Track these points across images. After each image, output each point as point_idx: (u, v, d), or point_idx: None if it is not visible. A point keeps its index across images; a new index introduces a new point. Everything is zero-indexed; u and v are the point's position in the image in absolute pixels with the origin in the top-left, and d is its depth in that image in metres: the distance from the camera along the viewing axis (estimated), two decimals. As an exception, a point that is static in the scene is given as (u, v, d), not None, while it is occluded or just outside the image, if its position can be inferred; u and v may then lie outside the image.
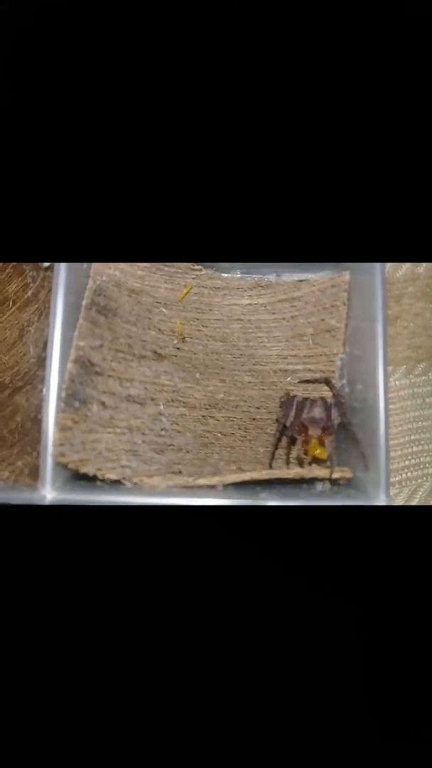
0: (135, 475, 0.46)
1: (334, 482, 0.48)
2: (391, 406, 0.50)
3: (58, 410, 0.44)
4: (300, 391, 0.53)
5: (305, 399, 0.50)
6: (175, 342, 0.54)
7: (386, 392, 0.45)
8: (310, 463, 0.49)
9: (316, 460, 0.49)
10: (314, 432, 0.48)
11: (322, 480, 0.48)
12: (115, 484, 0.45)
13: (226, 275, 0.57)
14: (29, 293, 0.54)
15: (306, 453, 0.49)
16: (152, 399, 0.51)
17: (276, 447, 0.51)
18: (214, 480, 0.46)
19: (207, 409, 0.54)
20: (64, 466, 0.44)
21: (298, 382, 0.55)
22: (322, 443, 0.48)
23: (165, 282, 0.55)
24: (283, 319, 0.56)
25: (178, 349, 0.54)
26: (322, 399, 0.50)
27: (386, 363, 0.45)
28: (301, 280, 0.56)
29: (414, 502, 0.54)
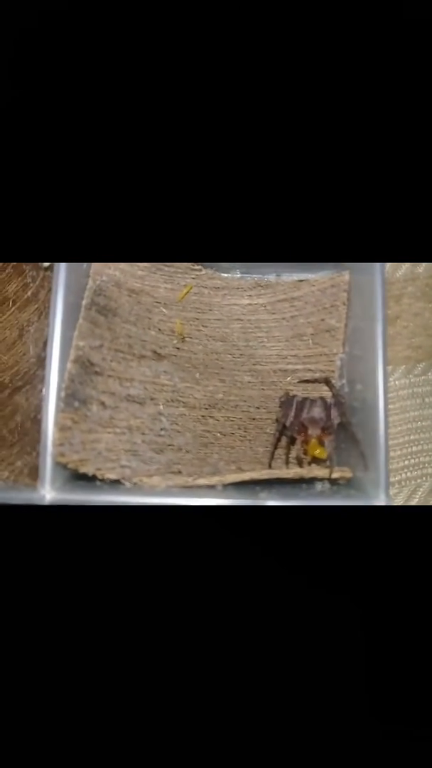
0: (134, 475, 0.46)
1: (333, 482, 0.48)
2: (390, 406, 0.50)
3: (58, 410, 0.44)
4: (300, 391, 0.53)
5: (305, 399, 0.50)
6: (175, 342, 0.54)
7: (386, 392, 0.45)
8: (309, 463, 0.49)
9: (316, 460, 0.49)
10: (314, 432, 0.48)
11: (321, 480, 0.48)
12: (115, 484, 0.45)
13: (225, 275, 0.57)
14: (29, 293, 0.54)
15: (305, 453, 0.49)
16: (152, 399, 0.51)
17: (275, 447, 0.51)
18: (214, 480, 0.46)
19: (207, 409, 0.54)
20: (64, 466, 0.44)
21: (298, 382, 0.55)
22: (321, 443, 0.48)
23: (165, 282, 0.55)
24: (283, 319, 0.56)
25: (178, 349, 0.54)
26: (322, 399, 0.50)
27: (386, 363, 0.45)
28: (300, 280, 0.56)
29: (413, 502, 0.54)
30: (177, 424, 0.52)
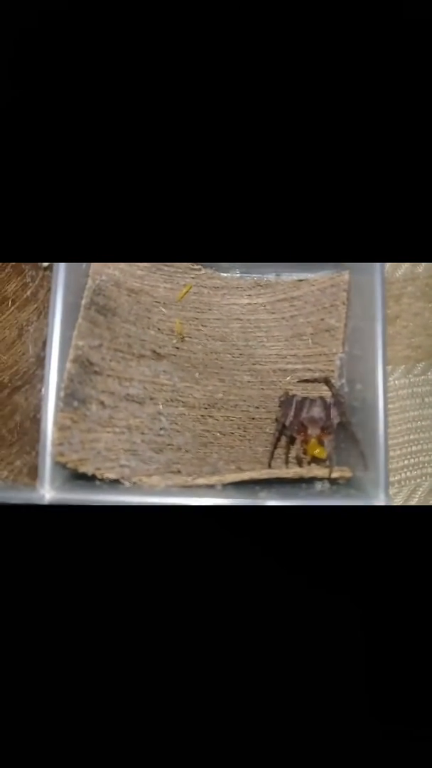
0: (134, 474, 0.46)
1: (333, 482, 0.48)
2: (390, 406, 0.50)
3: (57, 409, 0.44)
4: (299, 391, 0.53)
5: (304, 398, 0.50)
6: (175, 341, 0.54)
7: (385, 392, 0.45)
8: (309, 463, 0.49)
9: (316, 460, 0.49)
10: (313, 431, 0.48)
11: (321, 479, 0.48)
12: (114, 484, 0.45)
13: (225, 275, 0.57)
14: (28, 292, 0.54)
15: (305, 452, 0.49)
16: (151, 398, 0.51)
17: (275, 446, 0.51)
18: (213, 479, 0.46)
19: (206, 408, 0.53)
20: (63, 466, 0.44)
21: (298, 382, 0.55)
22: (321, 443, 0.48)
23: (164, 281, 0.55)
24: (283, 318, 0.56)
25: (178, 348, 0.54)
26: (322, 398, 0.50)
27: (385, 362, 0.45)
28: (300, 280, 0.56)
29: (413, 502, 0.54)
30: (176, 423, 0.52)
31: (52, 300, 0.45)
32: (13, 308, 0.54)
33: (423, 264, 0.57)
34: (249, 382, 0.55)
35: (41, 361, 0.49)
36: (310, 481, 0.48)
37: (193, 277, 0.56)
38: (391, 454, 0.54)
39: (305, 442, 0.48)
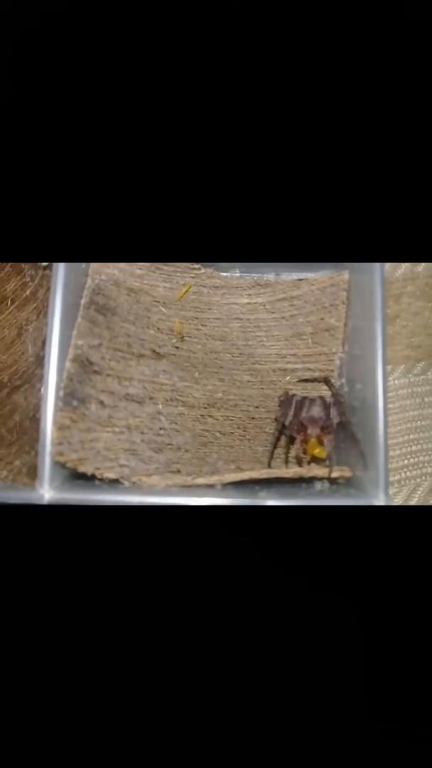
0: (133, 474, 0.46)
1: (333, 481, 0.48)
2: (390, 406, 0.50)
3: (57, 409, 0.44)
4: (299, 390, 0.53)
5: (304, 398, 0.50)
6: (174, 341, 0.54)
7: (385, 391, 0.45)
8: (309, 463, 0.49)
9: (315, 460, 0.49)
10: (313, 431, 0.48)
11: (321, 479, 0.48)
12: (114, 484, 0.45)
13: (225, 274, 0.57)
14: (28, 292, 0.54)
15: (305, 452, 0.49)
16: (151, 398, 0.51)
17: (275, 446, 0.51)
18: (213, 479, 0.46)
19: (206, 408, 0.53)
20: (63, 465, 0.44)
21: (297, 381, 0.55)
22: (321, 442, 0.48)
23: (164, 281, 0.55)
24: (282, 318, 0.56)
25: (177, 348, 0.54)
26: (321, 398, 0.50)
27: (385, 362, 0.45)
28: (300, 279, 0.56)
29: (413, 502, 0.54)
30: (176, 423, 0.52)
31: (51, 299, 0.45)
32: (12, 307, 0.54)
33: (423, 263, 0.57)
34: (249, 381, 0.55)
35: (40, 361, 0.49)
36: (310, 480, 0.48)
37: (192, 277, 0.56)
38: (391, 453, 0.54)
39: (305, 441, 0.48)
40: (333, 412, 0.49)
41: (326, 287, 0.55)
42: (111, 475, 0.45)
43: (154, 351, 0.53)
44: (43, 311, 0.53)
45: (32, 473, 0.46)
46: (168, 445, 0.51)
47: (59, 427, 0.44)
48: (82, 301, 0.49)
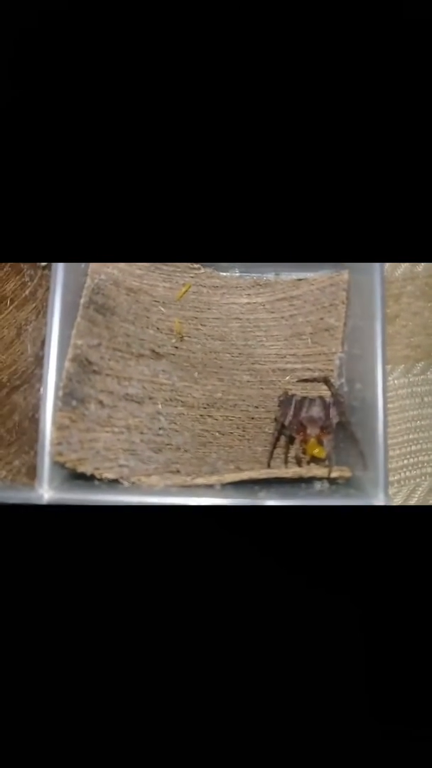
0: (133, 474, 0.46)
1: (332, 481, 0.48)
2: (389, 405, 0.50)
3: (56, 409, 0.44)
4: (299, 390, 0.53)
5: (304, 398, 0.50)
6: (174, 341, 0.54)
7: (385, 391, 0.45)
8: (308, 463, 0.49)
9: (315, 460, 0.48)
10: (313, 431, 0.48)
11: (320, 479, 0.48)
12: (113, 484, 0.45)
13: (224, 274, 0.57)
14: (27, 292, 0.53)
15: (304, 452, 0.49)
16: (150, 398, 0.51)
17: (274, 446, 0.51)
18: (213, 479, 0.45)
19: (205, 408, 0.53)
20: (62, 465, 0.44)
21: (297, 381, 0.55)
22: (320, 442, 0.48)
23: (163, 281, 0.55)
24: (282, 317, 0.56)
25: (177, 348, 0.54)
26: (321, 398, 0.49)
27: (385, 362, 0.45)
28: (299, 279, 0.56)
29: (412, 502, 0.54)
30: (175, 423, 0.52)
31: (50, 299, 0.45)
32: (11, 307, 0.53)
33: (422, 263, 0.57)
34: (248, 381, 0.55)
35: (40, 361, 0.49)
36: (310, 480, 0.48)
37: (192, 277, 0.56)
38: (391, 453, 0.54)
39: (304, 441, 0.48)
40: (332, 412, 0.49)
41: (326, 287, 0.55)
42: (110, 475, 0.45)
43: (153, 351, 0.53)
44: (42, 311, 0.53)
45: (31, 473, 0.46)
46: (167, 445, 0.51)
47: (58, 427, 0.44)
48: (82, 301, 0.49)
